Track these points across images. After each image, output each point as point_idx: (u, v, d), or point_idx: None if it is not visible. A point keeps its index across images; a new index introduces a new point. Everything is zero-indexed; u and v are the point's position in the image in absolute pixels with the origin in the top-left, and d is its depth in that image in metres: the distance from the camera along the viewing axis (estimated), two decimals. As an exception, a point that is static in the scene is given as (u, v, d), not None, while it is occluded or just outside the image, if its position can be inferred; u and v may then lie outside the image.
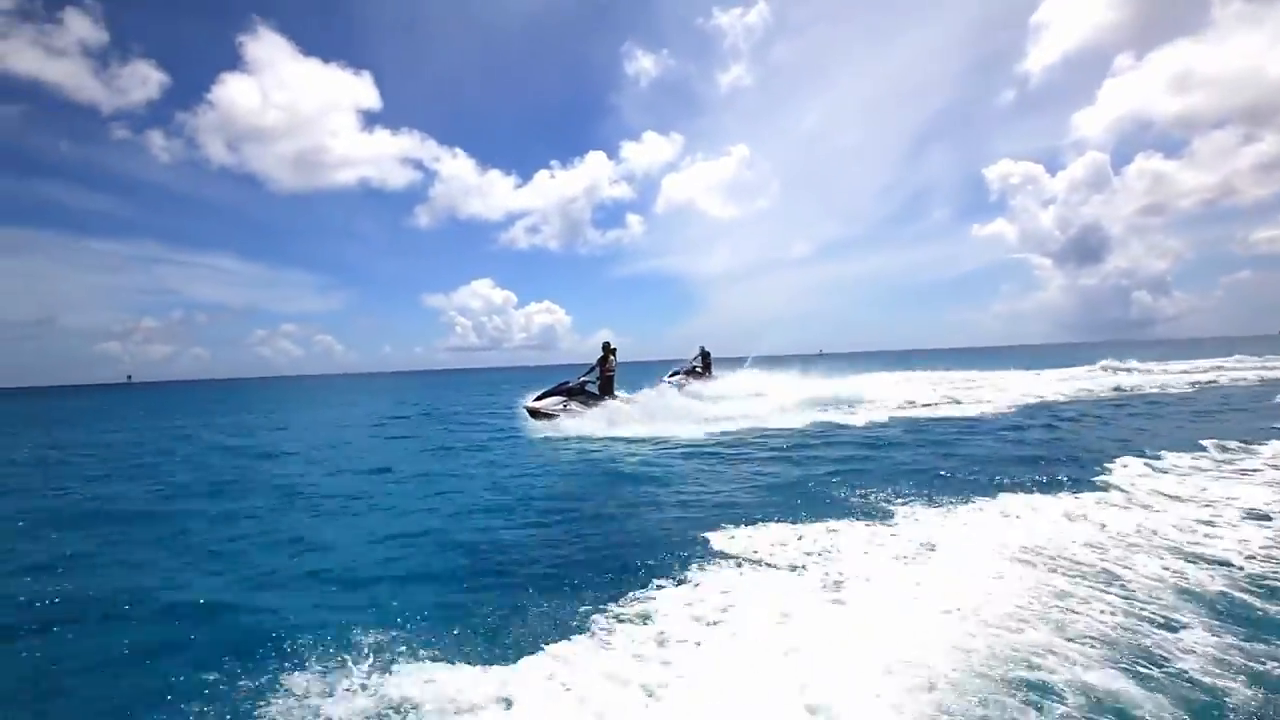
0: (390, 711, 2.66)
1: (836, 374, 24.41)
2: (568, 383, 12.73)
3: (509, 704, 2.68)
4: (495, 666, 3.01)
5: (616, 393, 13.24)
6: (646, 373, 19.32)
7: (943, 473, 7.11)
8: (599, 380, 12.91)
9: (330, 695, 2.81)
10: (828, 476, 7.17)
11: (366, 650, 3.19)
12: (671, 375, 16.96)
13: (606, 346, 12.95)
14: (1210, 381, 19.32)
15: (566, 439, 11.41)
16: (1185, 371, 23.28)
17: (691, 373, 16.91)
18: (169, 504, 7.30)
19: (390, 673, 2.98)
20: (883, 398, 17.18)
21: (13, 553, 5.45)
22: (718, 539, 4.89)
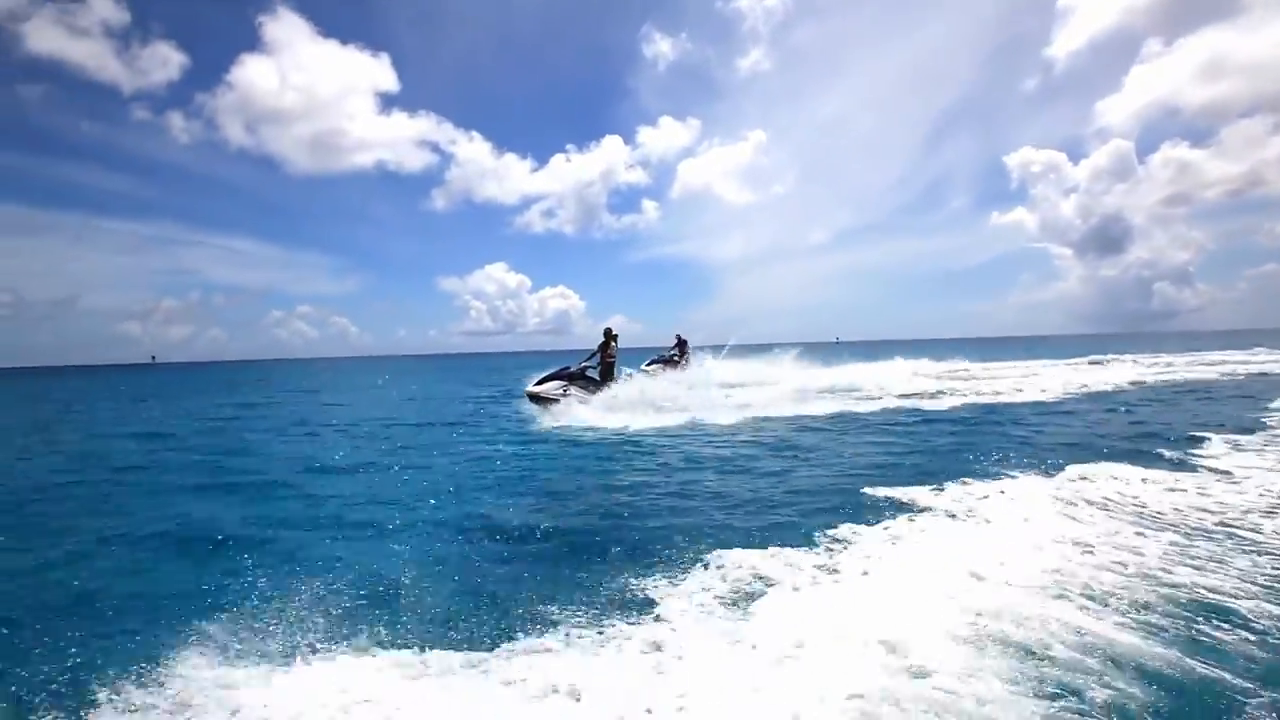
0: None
1: (838, 362, 24.04)
2: (568, 368, 12.42)
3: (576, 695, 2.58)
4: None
5: (621, 374, 12.88)
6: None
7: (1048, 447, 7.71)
8: (599, 366, 12.55)
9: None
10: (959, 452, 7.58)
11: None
12: (649, 364, 16.36)
13: (608, 333, 12.65)
14: (1261, 373, 18.98)
15: (570, 426, 11.10)
16: (1223, 361, 23.84)
17: (668, 361, 16.16)
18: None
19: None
20: (895, 384, 17.39)
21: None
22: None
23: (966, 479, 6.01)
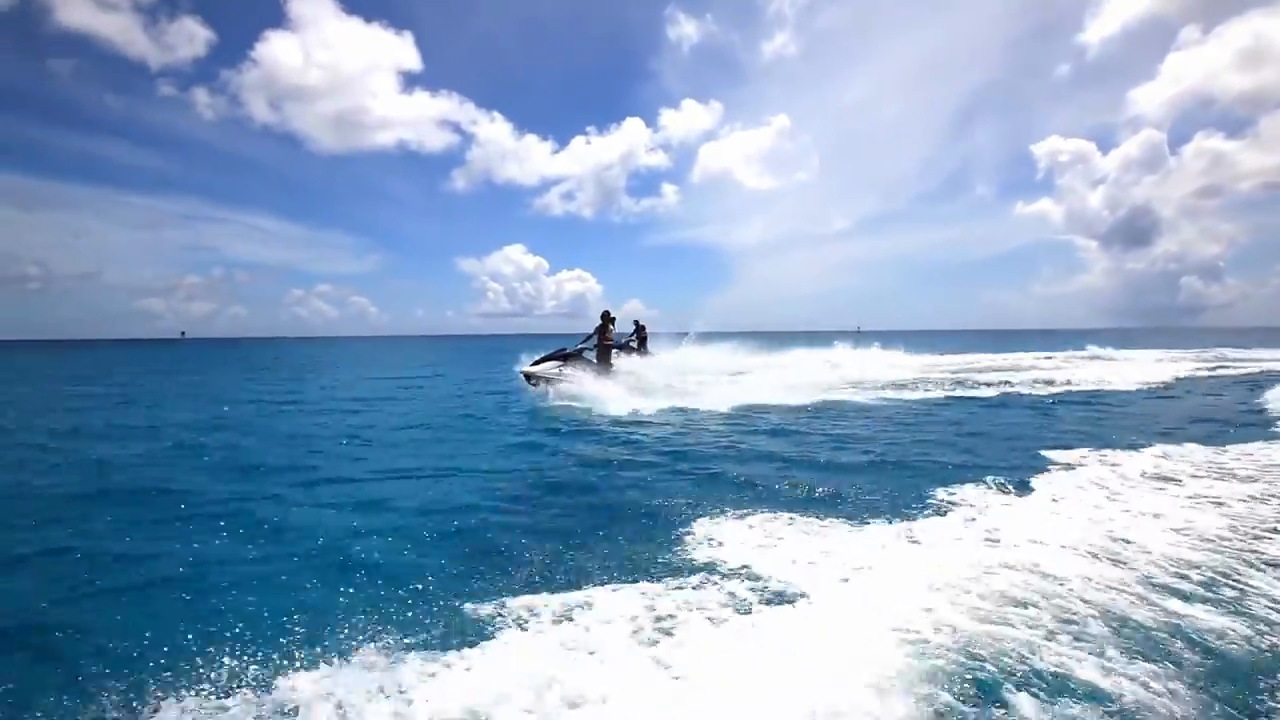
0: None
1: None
2: (565, 349, 12.58)
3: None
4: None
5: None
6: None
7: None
8: (596, 349, 12.71)
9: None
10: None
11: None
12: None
13: (605, 315, 12.78)
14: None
15: (574, 406, 11.23)
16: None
17: (624, 348, 14.89)
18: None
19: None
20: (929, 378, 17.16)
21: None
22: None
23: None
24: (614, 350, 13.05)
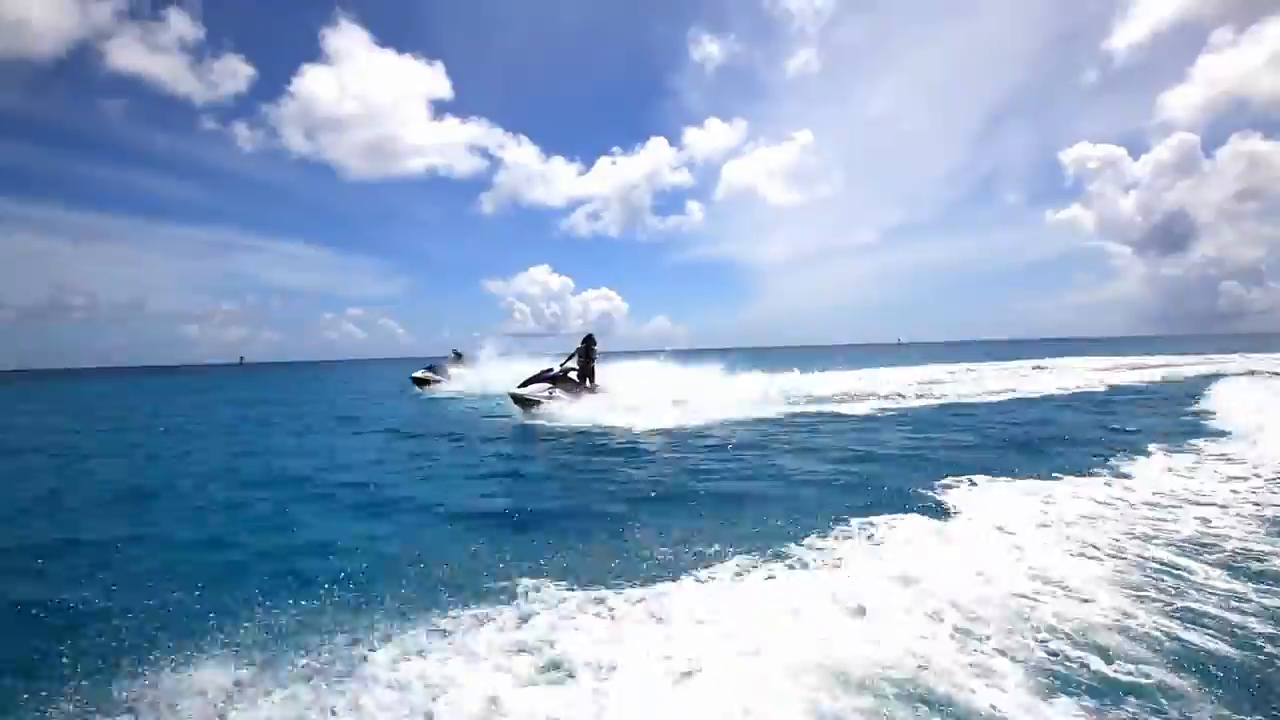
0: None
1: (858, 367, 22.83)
2: (551, 369, 12.69)
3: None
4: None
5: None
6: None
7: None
8: (578, 370, 12.78)
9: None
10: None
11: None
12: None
13: (589, 339, 12.84)
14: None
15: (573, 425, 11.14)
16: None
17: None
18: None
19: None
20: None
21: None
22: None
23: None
24: (546, 384, 12.38)
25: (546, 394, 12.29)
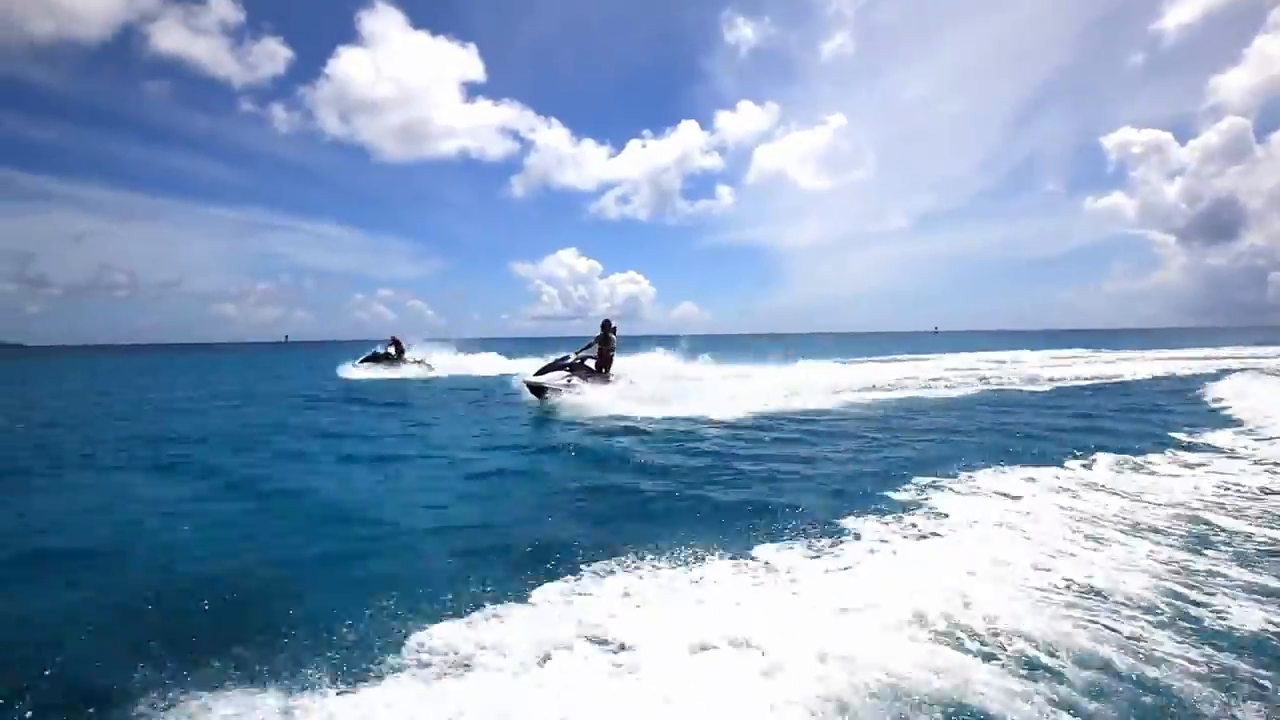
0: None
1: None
2: (567, 357, 11.96)
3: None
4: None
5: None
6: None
7: None
8: (596, 358, 12.04)
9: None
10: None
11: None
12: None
13: (607, 325, 11.96)
14: None
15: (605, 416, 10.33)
16: None
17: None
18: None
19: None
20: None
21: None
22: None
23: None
24: (564, 372, 11.66)
25: (565, 381, 11.61)
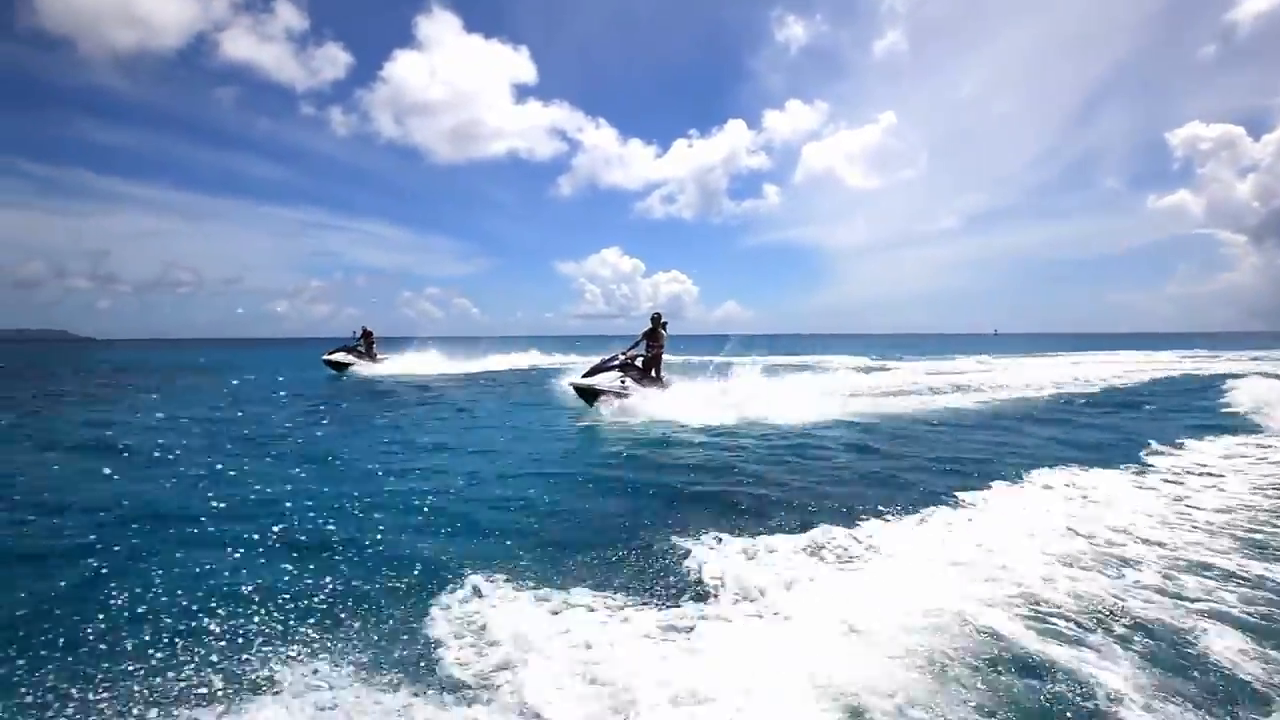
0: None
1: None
2: (616, 357, 10.65)
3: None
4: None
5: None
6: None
7: None
8: (644, 358, 10.79)
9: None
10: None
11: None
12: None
13: (657, 319, 10.68)
14: None
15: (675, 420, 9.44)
16: None
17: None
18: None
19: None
20: None
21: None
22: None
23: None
24: (616, 373, 10.57)
25: (619, 384, 10.34)
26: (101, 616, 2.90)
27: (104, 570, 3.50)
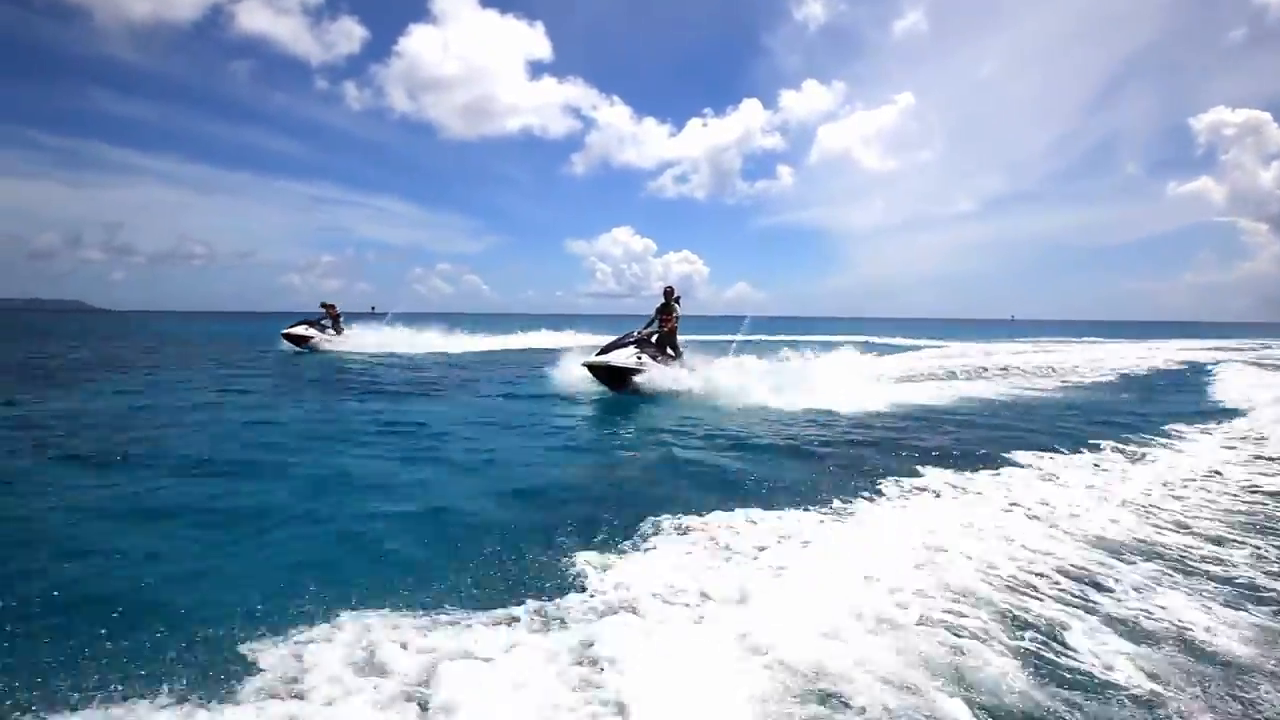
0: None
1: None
2: (632, 333, 10.14)
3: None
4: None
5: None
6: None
7: None
8: (658, 334, 10.26)
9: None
10: None
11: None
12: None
13: (670, 293, 10.11)
14: None
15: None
16: None
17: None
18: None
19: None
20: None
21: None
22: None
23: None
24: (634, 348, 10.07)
25: (637, 360, 9.77)
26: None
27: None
